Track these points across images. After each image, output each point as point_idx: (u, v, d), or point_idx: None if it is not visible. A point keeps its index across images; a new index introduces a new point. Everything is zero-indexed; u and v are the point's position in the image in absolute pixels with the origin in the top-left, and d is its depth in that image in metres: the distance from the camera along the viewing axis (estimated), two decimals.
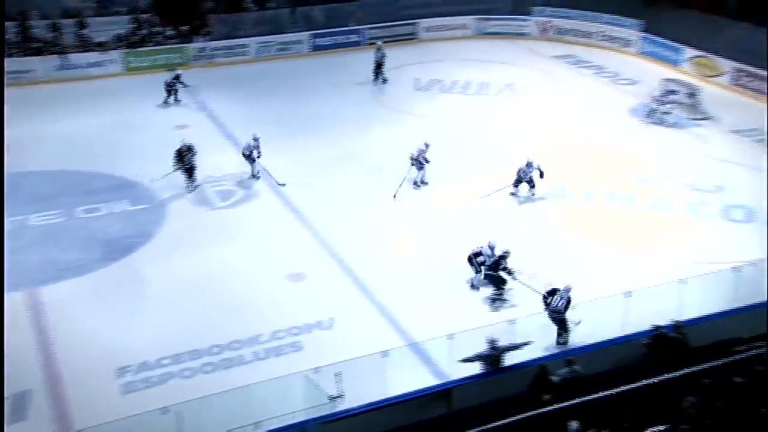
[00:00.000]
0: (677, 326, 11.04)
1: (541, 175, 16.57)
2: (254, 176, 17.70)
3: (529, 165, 16.61)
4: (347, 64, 26.37)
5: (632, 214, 16.14)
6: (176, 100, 22.30)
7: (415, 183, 17.43)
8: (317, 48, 27.68)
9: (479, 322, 11.10)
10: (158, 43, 25.88)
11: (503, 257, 13.27)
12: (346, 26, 28.25)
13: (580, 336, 11.27)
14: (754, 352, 9.12)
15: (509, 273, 13.16)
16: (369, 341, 11.75)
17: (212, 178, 17.67)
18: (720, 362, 8.59)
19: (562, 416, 8.41)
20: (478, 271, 13.56)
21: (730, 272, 12.21)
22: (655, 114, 21.04)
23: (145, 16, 26.72)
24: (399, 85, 24.38)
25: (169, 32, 26.32)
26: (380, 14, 28.70)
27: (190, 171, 17.04)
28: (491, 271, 13.32)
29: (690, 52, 24.84)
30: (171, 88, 22.17)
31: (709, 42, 24.90)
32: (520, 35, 29.09)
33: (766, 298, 11.88)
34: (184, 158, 17.00)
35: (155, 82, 22.86)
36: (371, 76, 24.31)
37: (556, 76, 25.07)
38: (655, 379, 8.34)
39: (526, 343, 10.72)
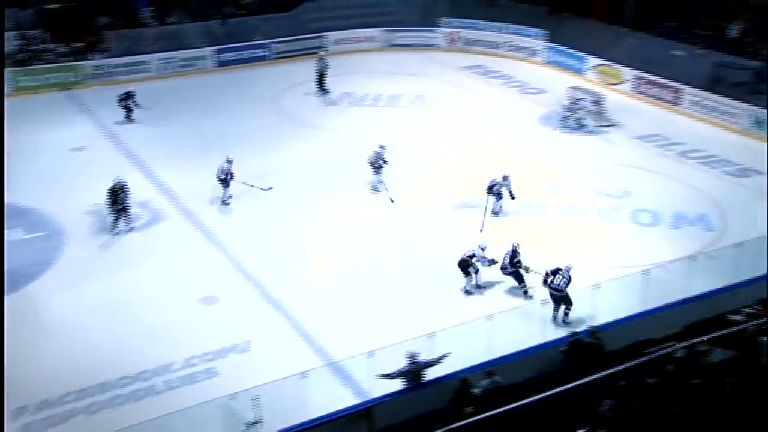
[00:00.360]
0: (593, 331, 11.50)
1: (512, 196, 16.73)
2: (225, 202, 17.17)
3: (504, 178, 16.89)
4: (254, 80, 26.21)
5: (546, 222, 16.70)
6: (130, 119, 21.85)
7: (374, 188, 17.52)
8: (222, 63, 27.37)
9: (398, 338, 11.19)
10: (50, 61, 24.96)
11: (515, 252, 13.75)
12: (252, 41, 28.08)
13: (500, 346, 11.54)
14: (664, 351, 9.59)
15: (525, 269, 13.73)
16: (287, 362, 11.67)
17: None
18: (634, 364, 8.99)
19: (485, 428, 8.59)
20: (468, 275, 13.95)
21: (640, 276, 12.79)
22: (568, 121, 21.90)
23: (33, 32, 25.66)
24: (309, 99, 24.41)
25: (62, 49, 25.43)
26: (287, 28, 28.72)
27: (122, 211, 15.92)
28: (510, 268, 13.76)
29: (593, 60, 26.00)
30: (126, 107, 21.74)
31: (611, 51, 26.15)
32: (429, 46, 29.69)
33: (674, 299, 12.57)
34: (118, 197, 15.79)
35: (48, 102, 22.04)
36: (311, 88, 24.44)
37: (466, 86, 25.71)
38: (573, 384, 8.64)
39: (445, 356, 10.89)
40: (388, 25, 29.86)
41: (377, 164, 17.77)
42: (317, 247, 15.96)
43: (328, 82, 24.60)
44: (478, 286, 14.08)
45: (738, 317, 11.30)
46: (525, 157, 19.90)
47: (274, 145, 20.75)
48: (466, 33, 29.58)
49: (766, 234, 14.22)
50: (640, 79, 24.47)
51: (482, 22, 29.40)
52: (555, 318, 12.86)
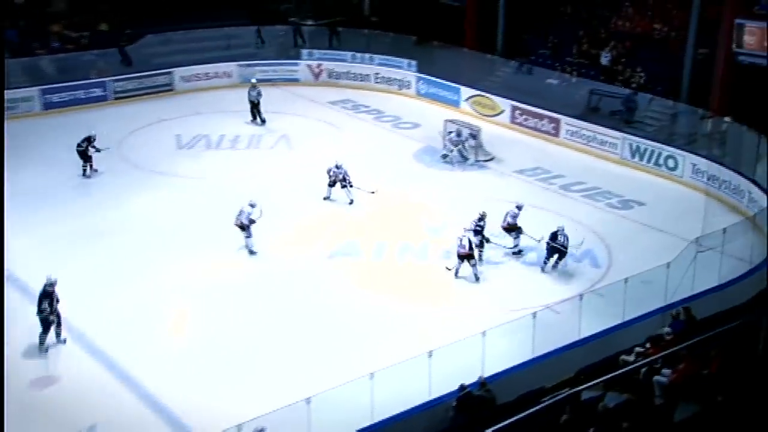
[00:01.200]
0: (483, 383, 11.82)
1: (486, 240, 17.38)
2: (252, 252, 17.37)
3: (338, 167, 19.65)
4: (93, 123, 25.35)
5: (427, 267, 17.11)
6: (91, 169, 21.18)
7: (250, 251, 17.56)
8: (51, 106, 26.38)
9: (271, 406, 11.04)
10: None
11: (555, 234, 16.66)
12: (86, 79, 27.27)
13: (383, 407, 11.63)
14: (557, 399, 9.98)
15: (563, 246, 16.59)
16: None
17: None
18: (527, 415, 9.29)
19: None
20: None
21: (529, 319, 13.32)
22: (451, 155, 22.67)
23: None
24: (157, 143, 24.01)
25: None
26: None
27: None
28: (551, 242, 16.65)
29: (467, 91, 27.18)
30: (86, 156, 21.00)
31: (485, 81, 27.49)
32: (291, 81, 30.02)
33: (564, 343, 13.17)
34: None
35: None
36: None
37: (334, 123, 26.13)
38: None
39: None
40: (244, 59, 29.94)
41: (245, 226, 17.64)
42: (174, 310, 15.55)
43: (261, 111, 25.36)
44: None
45: (630, 357, 11.96)
46: (401, 197, 20.39)
47: (120, 196, 20.16)
48: (330, 65, 30.15)
49: (651, 268, 15.25)
50: (516, 109, 25.79)
51: (346, 53, 30.09)
52: (544, 268, 16.58)
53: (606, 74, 25.76)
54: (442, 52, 29.28)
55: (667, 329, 12.52)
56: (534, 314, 13.25)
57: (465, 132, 23.13)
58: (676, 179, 21.42)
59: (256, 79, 26.75)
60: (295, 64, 30.30)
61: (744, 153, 20.19)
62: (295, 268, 16.90)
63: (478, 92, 26.99)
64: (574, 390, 9.98)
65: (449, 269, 16.72)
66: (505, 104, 26.10)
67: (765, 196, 18.22)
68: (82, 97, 26.97)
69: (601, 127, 23.60)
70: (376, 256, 17.52)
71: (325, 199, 20.06)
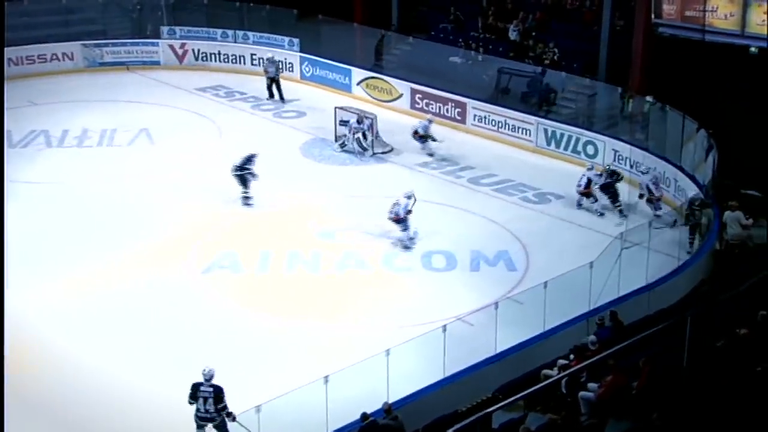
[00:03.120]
0: (387, 410, 11.98)
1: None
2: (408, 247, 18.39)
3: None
4: None
5: (319, 278, 17.21)
6: None
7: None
8: None
9: None
10: None
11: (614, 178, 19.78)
12: None
13: None
14: (473, 423, 10.24)
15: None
16: None
17: None
18: None
19: None
20: (405, 229, 18.11)
21: (439, 333, 13.58)
22: (347, 145, 22.93)
23: None
24: None
25: None
26: None
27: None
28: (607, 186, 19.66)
29: (359, 73, 27.43)
30: None
31: (380, 61, 27.79)
32: (150, 64, 29.54)
33: (479, 359, 13.50)
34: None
35: None
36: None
37: (205, 114, 25.88)
38: None
39: None
40: (89, 37, 29.24)
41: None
42: (18, 346, 14.99)
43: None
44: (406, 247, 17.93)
45: (552, 371, 12.39)
46: (286, 199, 20.39)
47: None
48: (196, 45, 29.84)
49: (573, 268, 15.81)
50: (417, 93, 26.20)
51: (216, 30, 29.81)
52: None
53: (516, 50, 26.49)
54: (329, 28, 29.40)
55: (592, 338, 13.00)
56: (444, 327, 13.47)
57: (365, 120, 23.27)
58: (596, 168, 22.19)
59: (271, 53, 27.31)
60: (154, 44, 29.83)
61: (668, 136, 21.17)
62: (164, 287, 16.65)
63: (373, 74, 27.27)
64: (491, 410, 10.25)
65: None
66: (403, 87, 26.48)
67: (692, 184, 19.13)
68: None
69: (512, 111, 24.25)
70: (260, 269, 17.49)
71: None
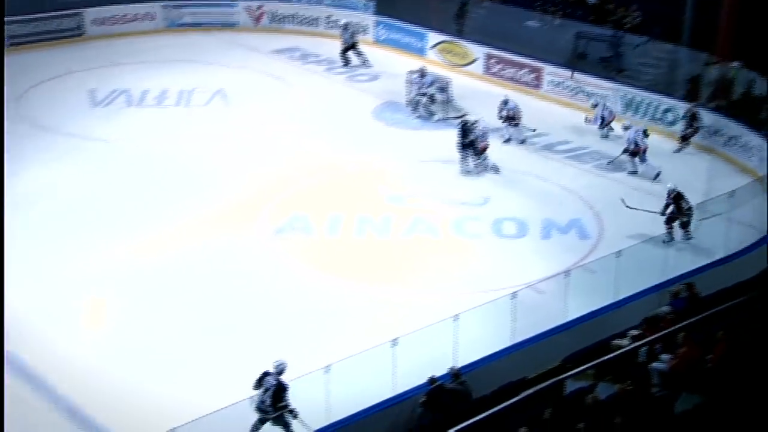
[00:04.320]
0: (455, 374, 11.92)
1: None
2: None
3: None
4: None
5: (389, 242, 17.15)
6: None
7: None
8: None
9: (208, 408, 11.03)
10: None
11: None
12: None
13: (342, 403, 11.68)
14: (541, 391, 10.12)
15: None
16: None
17: None
18: (506, 409, 9.43)
19: None
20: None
21: (508, 300, 13.45)
22: (418, 110, 22.81)
23: None
24: (67, 100, 23.64)
25: None
26: (25, 2, 27.41)
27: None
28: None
29: (435, 37, 27.12)
30: None
31: (455, 24, 27.40)
32: (227, 26, 29.68)
33: (549, 327, 13.32)
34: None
35: None
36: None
37: (279, 76, 25.92)
38: None
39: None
40: None
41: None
42: (91, 302, 15.34)
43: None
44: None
45: (624, 342, 12.14)
46: (358, 163, 20.35)
47: (19, 164, 19.73)
48: (273, 7, 29.87)
49: (649, 239, 15.49)
50: (491, 57, 25.80)
51: None
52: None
53: (595, 14, 25.78)
54: None
55: (665, 308, 12.72)
56: (513, 295, 13.36)
57: (433, 83, 23.05)
58: (675, 136, 21.66)
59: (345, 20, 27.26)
60: (232, 6, 29.94)
61: (754, 104, 20.45)
62: (237, 248, 16.78)
63: (448, 38, 26.92)
64: (560, 379, 10.11)
65: None
66: (478, 52, 26.11)
67: None
68: None
69: (589, 77, 23.73)
70: (331, 232, 17.50)
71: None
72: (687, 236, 16.54)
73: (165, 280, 15.74)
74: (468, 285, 15.61)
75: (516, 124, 21.57)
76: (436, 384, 11.81)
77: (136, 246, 16.73)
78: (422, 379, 12.01)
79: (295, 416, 11.57)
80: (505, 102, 21.72)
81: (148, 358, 13.68)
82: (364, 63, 26.70)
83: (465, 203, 18.60)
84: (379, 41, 28.58)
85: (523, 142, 21.55)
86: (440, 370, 12.09)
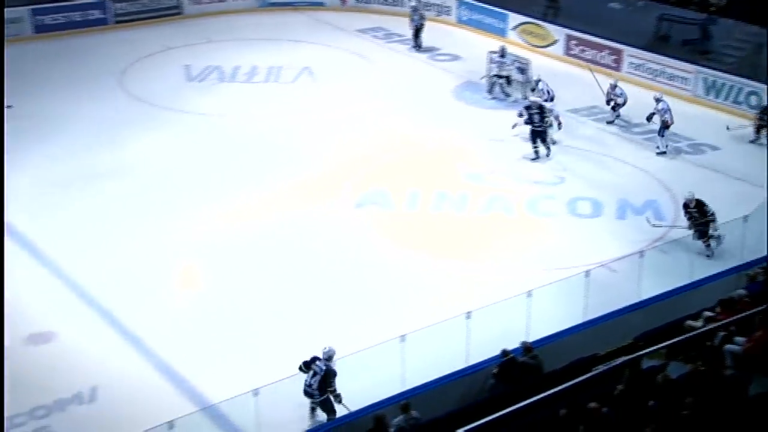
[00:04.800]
0: (527, 348, 11.80)
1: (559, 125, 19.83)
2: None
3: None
4: (89, 50, 25.48)
5: (465, 219, 17.04)
6: None
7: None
8: (42, 29, 26.39)
9: (290, 371, 11.16)
10: None
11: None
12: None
13: (416, 373, 11.69)
14: (612, 368, 9.94)
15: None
16: (148, 410, 11.49)
17: None
18: (576, 385, 9.28)
19: None
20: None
21: (581, 278, 13.25)
22: (494, 91, 22.46)
23: None
24: (164, 74, 24.05)
25: None
26: None
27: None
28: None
29: (516, 18, 26.71)
30: None
31: (536, 5, 26.92)
32: (315, 5, 29.74)
33: (621, 305, 13.08)
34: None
35: None
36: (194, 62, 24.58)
37: (363, 54, 25.89)
38: (505, 413, 8.83)
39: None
40: None
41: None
42: (181, 264, 15.67)
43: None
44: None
45: (697, 323, 11.82)
46: (437, 140, 20.23)
47: (120, 134, 20.25)
48: None
49: (724, 222, 15.01)
50: (572, 39, 25.32)
51: None
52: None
53: None
54: None
55: (741, 291, 12.33)
56: (587, 273, 13.18)
57: (513, 65, 22.74)
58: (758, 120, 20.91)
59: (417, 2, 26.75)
60: None
61: None
62: (318, 219, 16.89)
63: (529, 19, 26.51)
64: (632, 357, 9.91)
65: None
66: (558, 33, 25.64)
67: None
68: (78, 19, 26.91)
69: (670, 59, 23.07)
70: (409, 206, 17.46)
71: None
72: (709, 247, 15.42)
73: (250, 247, 15.94)
74: (541, 262, 15.42)
75: (617, 107, 21.20)
76: (509, 357, 11.73)
77: (224, 214, 16.98)
78: (494, 352, 11.93)
79: (339, 401, 11.52)
80: (614, 86, 21.26)
81: (232, 322, 13.89)
82: (418, 46, 26.15)
83: (540, 182, 18.37)
84: (461, 21, 28.28)
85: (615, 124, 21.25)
86: (512, 344, 11.99)
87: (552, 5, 27.08)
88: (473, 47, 25.88)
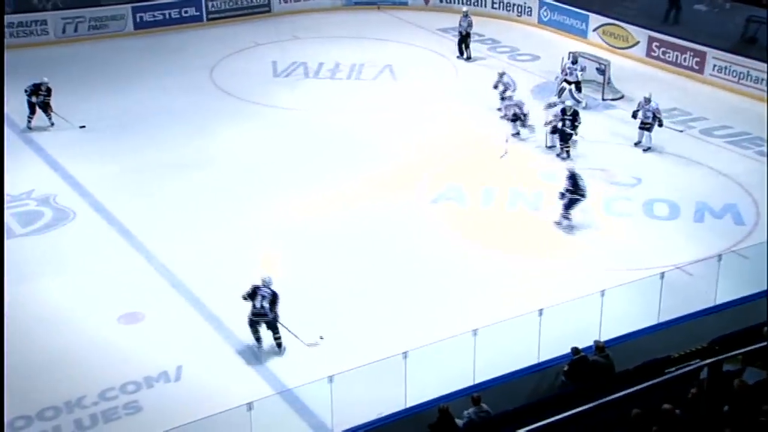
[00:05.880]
0: (599, 347, 11.59)
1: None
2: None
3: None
4: (183, 46, 25.99)
5: (540, 217, 16.81)
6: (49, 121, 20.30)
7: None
8: (141, 25, 27.08)
9: (364, 359, 11.19)
10: None
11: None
12: None
13: (488, 367, 11.61)
14: (686, 371, 9.71)
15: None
16: (229, 392, 11.69)
17: (8, 198, 16.87)
18: (649, 386, 9.10)
19: None
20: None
21: (656, 280, 12.95)
22: (563, 93, 22.07)
23: None
24: (252, 70, 24.35)
25: None
26: None
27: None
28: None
29: (597, 19, 26.25)
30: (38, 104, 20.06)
31: (619, 7, 26.43)
32: (398, 5, 29.72)
33: (698, 308, 12.75)
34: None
35: None
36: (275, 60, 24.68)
37: (444, 53, 25.77)
38: (575, 412, 8.71)
39: None
40: None
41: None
42: (262, 253, 15.85)
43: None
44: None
45: None
46: (514, 139, 19.99)
47: (208, 126, 20.60)
48: None
49: None
50: (654, 41, 24.75)
51: None
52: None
53: None
54: None
55: None
56: (662, 275, 12.87)
57: (584, 70, 22.24)
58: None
59: (467, 7, 26.34)
60: None
61: None
62: (395, 213, 16.90)
63: (610, 20, 26.02)
64: (708, 362, 9.66)
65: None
66: (640, 35, 25.09)
67: None
68: (175, 16, 27.49)
69: (757, 62, 22.30)
70: (484, 203, 17.33)
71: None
72: None
73: (327, 239, 16.04)
74: (616, 262, 15.15)
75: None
76: (580, 355, 11.54)
77: (304, 206, 17.10)
78: (566, 350, 11.76)
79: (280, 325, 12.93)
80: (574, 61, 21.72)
81: (309, 311, 13.96)
82: (468, 59, 25.22)
83: (617, 183, 18.01)
84: (542, 22, 27.92)
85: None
86: (584, 343, 11.79)
87: (674, 13, 25.96)
88: (554, 48, 25.51)
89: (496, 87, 21.24)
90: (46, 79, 20.12)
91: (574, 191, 16.18)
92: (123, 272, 14.95)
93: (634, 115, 19.47)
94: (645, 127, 19.25)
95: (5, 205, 16.59)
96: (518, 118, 19.85)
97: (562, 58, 22.86)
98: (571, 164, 17.44)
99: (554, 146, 19.22)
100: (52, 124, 20.22)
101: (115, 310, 13.90)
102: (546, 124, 19.49)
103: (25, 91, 20.03)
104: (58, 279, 14.77)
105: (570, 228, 16.25)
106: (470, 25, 25.35)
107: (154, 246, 15.66)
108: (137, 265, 15.16)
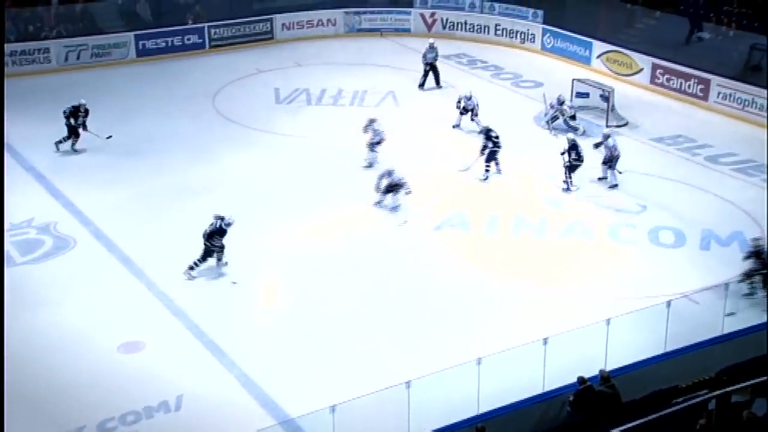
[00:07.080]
0: (605, 377, 11.50)
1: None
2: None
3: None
4: (186, 73, 26.12)
5: (544, 244, 16.78)
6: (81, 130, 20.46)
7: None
8: (144, 53, 27.23)
9: (367, 389, 11.10)
10: None
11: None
12: (183, 24, 27.99)
13: (491, 396, 11.51)
14: (694, 402, 9.62)
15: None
16: (230, 422, 11.65)
17: (9, 226, 16.85)
18: (656, 418, 9.01)
19: None
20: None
21: (662, 308, 12.87)
22: (556, 122, 22.08)
23: None
24: (255, 96, 24.42)
25: None
26: (225, 9, 28.76)
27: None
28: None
29: (601, 46, 26.35)
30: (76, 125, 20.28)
31: (622, 34, 26.54)
32: (401, 32, 29.88)
33: (702, 338, 12.66)
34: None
35: None
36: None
37: (447, 80, 25.83)
38: None
39: None
40: (350, 5, 29.97)
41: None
42: (265, 280, 15.82)
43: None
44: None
45: None
46: (518, 165, 19.99)
47: (211, 152, 20.62)
48: (445, 14, 29.82)
49: None
50: (658, 68, 24.83)
51: (464, 1, 29.67)
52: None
53: None
54: (574, 1, 28.46)
55: None
56: (668, 303, 12.77)
57: (567, 102, 22.20)
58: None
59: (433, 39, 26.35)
60: (407, 13, 30.14)
61: None
62: (398, 239, 16.88)
63: (614, 47, 26.13)
64: (716, 393, 9.56)
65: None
66: (644, 62, 25.19)
67: None
68: (178, 44, 27.66)
69: (761, 90, 22.32)
70: (488, 230, 17.29)
71: (454, 127, 21.96)
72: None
73: (330, 265, 16.01)
74: (621, 290, 15.10)
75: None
76: (586, 385, 11.45)
77: (307, 232, 17.09)
78: (571, 379, 11.68)
79: (220, 259, 15.32)
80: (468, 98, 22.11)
81: (312, 337, 13.94)
82: (438, 86, 25.14)
83: (621, 210, 18.00)
84: (545, 49, 28.05)
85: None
86: (590, 372, 11.71)
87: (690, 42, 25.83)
88: (557, 74, 25.61)
89: (459, 107, 22.08)
90: (83, 101, 20.41)
91: (578, 159, 18.45)
92: (123, 300, 14.92)
93: (596, 146, 19.38)
94: (606, 163, 19.07)
95: (5, 234, 16.58)
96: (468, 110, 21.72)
97: (544, 95, 22.81)
98: (571, 135, 19.50)
99: (605, 177, 19.15)
100: (110, 137, 20.72)
101: (115, 339, 13.84)
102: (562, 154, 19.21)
103: (64, 112, 20.31)
104: (58, 308, 14.71)
105: (569, 190, 18.35)
106: (437, 56, 25.26)
107: (154, 273, 15.62)
108: (138, 293, 15.12)
